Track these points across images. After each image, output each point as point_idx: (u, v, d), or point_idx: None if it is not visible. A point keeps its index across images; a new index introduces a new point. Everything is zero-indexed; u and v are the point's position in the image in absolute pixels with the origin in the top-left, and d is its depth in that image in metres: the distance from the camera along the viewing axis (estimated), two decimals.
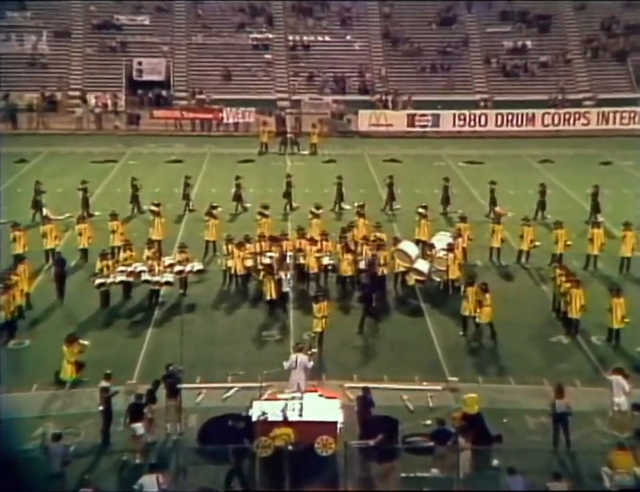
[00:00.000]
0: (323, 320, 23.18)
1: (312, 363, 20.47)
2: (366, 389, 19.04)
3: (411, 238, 29.27)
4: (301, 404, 18.24)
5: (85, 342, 21.86)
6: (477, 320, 23.90)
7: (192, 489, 17.05)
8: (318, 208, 31.56)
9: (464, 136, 53.09)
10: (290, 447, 17.16)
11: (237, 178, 36.13)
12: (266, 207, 31.45)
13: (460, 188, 39.35)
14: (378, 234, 28.34)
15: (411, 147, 49.29)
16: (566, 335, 24.48)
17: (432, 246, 27.67)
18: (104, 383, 19.22)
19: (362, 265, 27.22)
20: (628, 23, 61.22)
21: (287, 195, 36.00)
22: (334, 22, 62.73)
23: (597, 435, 19.48)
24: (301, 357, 20.31)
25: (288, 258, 27.32)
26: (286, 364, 20.30)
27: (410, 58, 61.05)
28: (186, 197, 35.66)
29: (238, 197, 35.75)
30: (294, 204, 35.98)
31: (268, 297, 25.11)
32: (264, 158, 46.45)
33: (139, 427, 18.25)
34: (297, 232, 28.63)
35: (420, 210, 31.11)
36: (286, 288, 25.34)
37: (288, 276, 25.24)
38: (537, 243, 29.71)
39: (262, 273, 25.74)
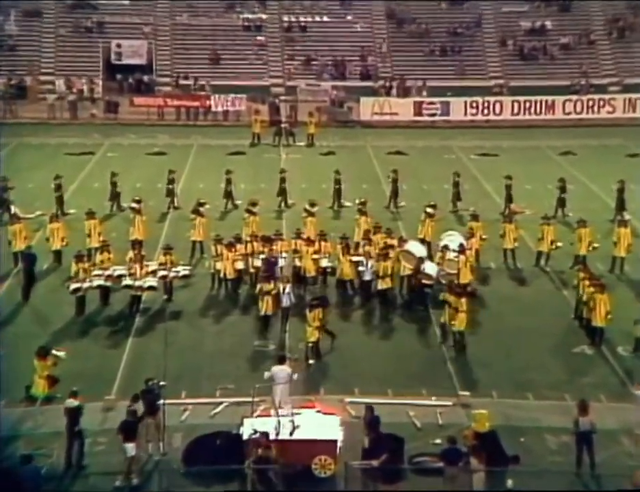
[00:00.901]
0: (319, 328, 23.11)
1: (296, 375, 20.12)
2: (369, 408, 18.95)
3: (415, 238, 29.30)
4: (292, 421, 18.19)
5: (61, 353, 21.78)
6: (452, 327, 23.90)
7: None
8: (313, 205, 31.56)
9: (477, 126, 53.10)
10: (272, 471, 17.09)
11: (227, 172, 36.14)
12: (254, 204, 31.44)
13: (472, 184, 39.36)
14: (389, 241, 27.99)
15: (418, 139, 49.31)
16: (590, 346, 24.47)
17: (446, 247, 27.64)
18: (70, 402, 19.18)
19: (362, 267, 27.19)
20: None
21: (281, 191, 36.01)
22: (333, 0, 62.75)
23: (624, 456, 19.43)
24: (282, 369, 19.91)
25: (282, 260, 27.35)
26: (266, 374, 20.02)
27: (417, 40, 61.11)
28: (170, 193, 35.65)
29: (228, 194, 35.75)
30: (289, 201, 35.99)
31: (263, 312, 24.65)
32: (257, 151, 46.45)
33: (129, 447, 18.19)
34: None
35: (428, 209, 31.11)
36: (286, 303, 24.81)
37: (287, 289, 24.78)
38: (558, 244, 29.71)
39: (258, 286, 24.91)
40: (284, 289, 24.65)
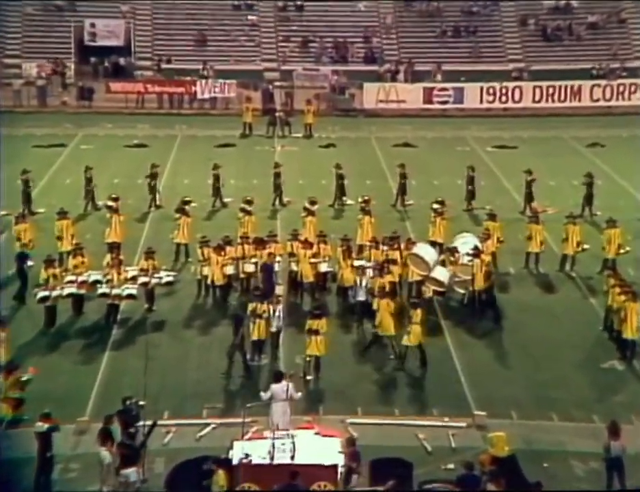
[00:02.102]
0: (319, 341, 23.13)
1: (299, 394, 20.37)
2: (350, 441, 18.90)
3: (425, 240, 29.34)
4: (293, 443, 18.24)
5: (28, 377, 21.67)
6: (404, 341, 23.83)
7: None
8: (313, 203, 31.61)
9: (494, 114, 53.23)
10: None
11: (215, 166, 36.17)
12: (249, 202, 31.50)
13: (489, 179, 39.42)
14: (391, 253, 27.42)
15: (428, 129, 49.40)
16: (620, 360, 24.48)
17: (455, 250, 27.70)
18: (40, 425, 19.17)
19: (369, 273, 27.22)
20: None
21: (276, 187, 36.05)
22: None
23: None
24: (280, 387, 20.05)
25: (277, 265, 27.39)
26: (264, 395, 20.24)
27: (427, 19, 61.24)
28: (152, 189, 35.66)
29: (217, 191, 35.80)
30: (284, 199, 36.03)
31: (255, 337, 24.09)
32: (248, 142, 46.50)
33: (132, 473, 18.21)
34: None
35: (435, 206, 31.17)
36: (277, 326, 24.27)
37: (278, 311, 24.20)
38: (585, 246, 29.74)
39: (251, 305, 24.11)
40: (274, 311, 24.04)
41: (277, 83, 55.13)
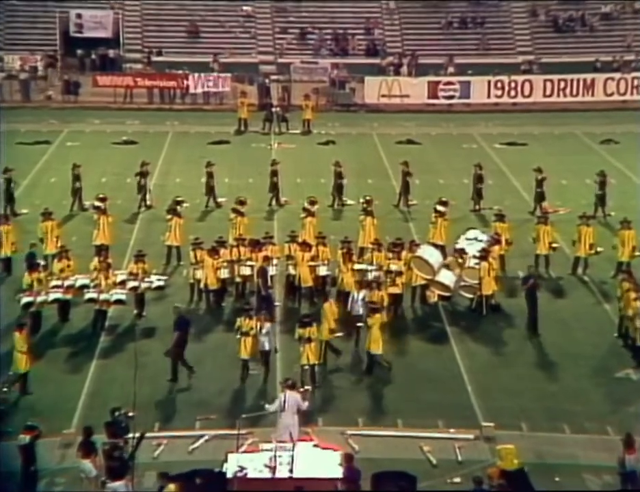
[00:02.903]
0: (312, 348, 23.14)
1: (307, 403, 20.52)
2: (348, 457, 18.91)
3: (427, 241, 29.43)
4: (292, 456, 18.27)
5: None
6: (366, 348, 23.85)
7: None
8: (313, 203, 31.66)
9: (502, 110, 53.28)
10: None
11: (208, 164, 36.18)
12: (242, 202, 31.53)
13: (497, 178, 39.48)
14: (395, 266, 26.93)
15: (433, 125, 49.48)
16: (635, 369, 24.49)
17: (463, 251, 27.72)
18: (23, 437, 19.15)
19: (371, 277, 27.27)
20: None
21: (273, 186, 36.08)
22: None
23: None
24: (292, 396, 20.33)
25: (273, 268, 27.42)
26: (271, 407, 20.33)
27: (432, 9, 61.33)
28: (142, 189, 35.70)
29: (210, 190, 35.80)
30: (282, 198, 36.07)
31: (243, 356, 23.76)
32: (243, 139, 46.57)
33: (119, 486, 18.22)
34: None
35: (439, 207, 31.19)
36: (266, 346, 23.62)
37: (265, 329, 23.49)
38: (598, 249, 29.77)
39: (238, 321, 23.97)
40: (260, 328, 23.58)
41: (273, 77, 55.14)
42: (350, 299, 25.60)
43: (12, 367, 22.77)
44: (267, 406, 20.45)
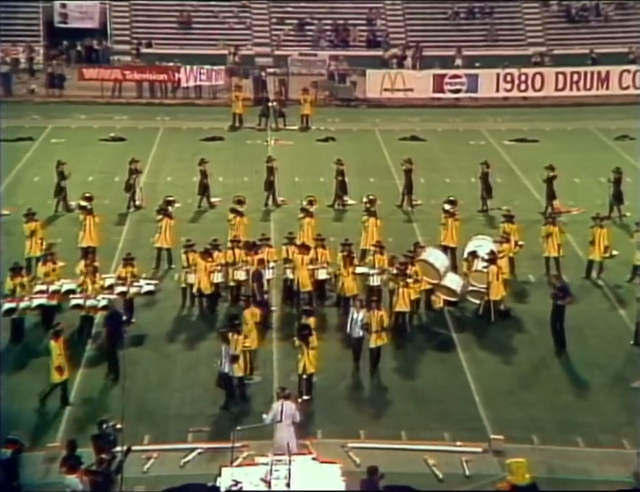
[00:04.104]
0: (311, 357, 23.15)
1: (299, 414, 20.48)
2: (373, 470, 18.91)
3: (436, 244, 29.46)
4: (289, 470, 18.28)
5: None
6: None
7: None
8: (312, 203, 31.69)
9: (511, 104, 53.39)
10: None
11: (202, 161, 36.16)
12: (241, 202, 31.56)
13: (506, 176, 39.53)
14: (413, 274, 26.57)
15: (438, 121, 49.54)
16: None
17: (476, 255, 27.70)
18: (4, 452, 19.11)
19: (373, 281, 27.29)
20: None
21: (269, 184, 36.08)
22: None
23: None
24: (289, 406, 20.36)
25: (269, 271, 27.44)
26: (267, 417, 20.35)
27: None
28: (130, 188, 35.73)
29: (204, 189, 35.76)
30: (278, 198, 36.09)
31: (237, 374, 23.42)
32: (238, 135, 46.58)
33: None
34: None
35: (447, 206, 31.21)
36: (226, 367, 22.82)
37: (224, 350, 22.80)
38: (614, 252, 29.76)
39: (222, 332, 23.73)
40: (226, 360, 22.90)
41: (270, 70, 55.20)
42: (349, 320, 24.85)
43: (49, 378, 22.62)
44: (263, 416, 20.46)
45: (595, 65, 55.26)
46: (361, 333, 24.69)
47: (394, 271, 26.68)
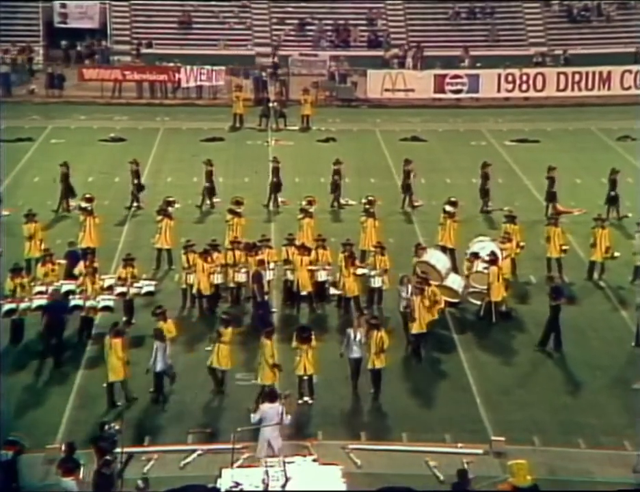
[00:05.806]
0: (309, 358, 23.15)
1: (289, 417, 20.26)
2: (462, 473, 18.77)
3: (434, 245, 29.50)
4: (284, 471, 18.27)
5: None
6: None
7: None
8: (311, 203, 31.69)
9: (513, 104, 53.40)
10: None
11: (208, 163, 35.92)
12: (239, 203, 31.54)
13: (507, 177, 39.54)
14: (431, 295, 25.54)
15: (439, 121, 49.55)
16: None
17: (477, 256, 27.70)
18: (4, 453, 19.14)
19: (374, 283, 27.28)
20: None
21: (272, 186, 36.00)
22: None
23: None
24: (273, 408, 20.13)
25: (269, 273, 27.45)
26: (255, 417, 20.25)
27: None
28: (142, 188, 35.70)
29: (210, 190, 35.67)
30: (279, 199, 36.08)
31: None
32: (239, 136, 46.60)
33: None
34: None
35: (448, 207, 31.21)
36: (157, 366, 23.08)
37: (155, 346, 23.10)
38: (615, 254, 29.77)
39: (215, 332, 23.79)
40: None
41: (270, 70, 55.14)
42: (346, 339, 23.84)
43: (109, 376, 22.67)
44: (252, 415, 20.33)
45: (567, 66, 55.29)
46: (359, 354, 23.67)
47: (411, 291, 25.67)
